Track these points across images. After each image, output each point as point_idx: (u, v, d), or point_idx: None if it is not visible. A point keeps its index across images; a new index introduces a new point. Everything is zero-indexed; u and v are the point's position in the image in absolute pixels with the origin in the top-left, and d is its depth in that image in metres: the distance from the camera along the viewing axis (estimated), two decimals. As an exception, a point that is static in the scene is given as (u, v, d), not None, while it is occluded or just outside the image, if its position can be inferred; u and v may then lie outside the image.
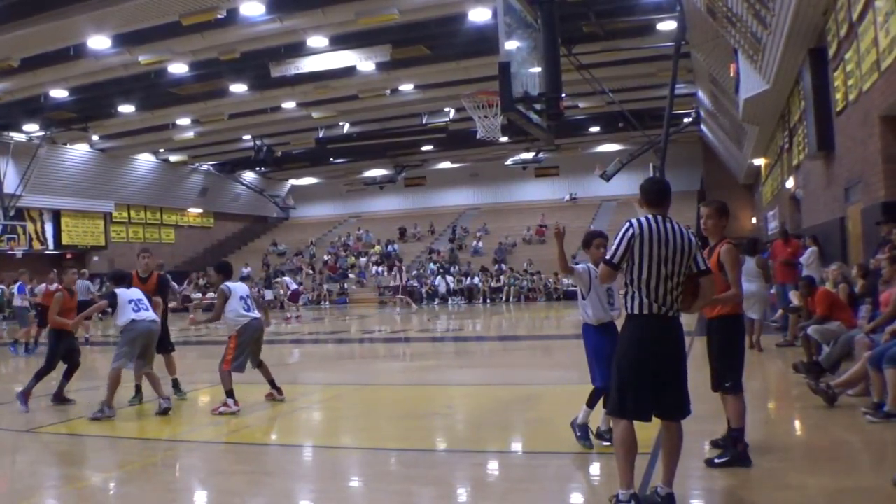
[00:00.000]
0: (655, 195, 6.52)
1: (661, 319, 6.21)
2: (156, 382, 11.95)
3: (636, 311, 6.22)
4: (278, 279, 40.06)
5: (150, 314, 12.18)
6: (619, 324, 6.77)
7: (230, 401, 11.42)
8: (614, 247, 6.29)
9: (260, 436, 10.74)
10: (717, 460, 7.41)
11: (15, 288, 23.42)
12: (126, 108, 38.06)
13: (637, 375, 6.12)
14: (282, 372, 13.43)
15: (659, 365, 6.16)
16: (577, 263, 8.64)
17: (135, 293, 12.43)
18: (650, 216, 6.32)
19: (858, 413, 9.23)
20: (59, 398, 12.83)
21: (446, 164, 61.27)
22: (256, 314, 12.23)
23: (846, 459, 7.90)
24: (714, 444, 7.75)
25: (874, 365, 9.10)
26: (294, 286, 38.24)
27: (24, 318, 22.45)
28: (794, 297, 15.62)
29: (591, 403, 8.33)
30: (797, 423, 9.97)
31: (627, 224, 6.29)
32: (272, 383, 12.34)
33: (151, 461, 9.05)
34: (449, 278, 45.46)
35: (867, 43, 13.45)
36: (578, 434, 8.32)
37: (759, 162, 36.50)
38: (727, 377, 7.52)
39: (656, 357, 6.17)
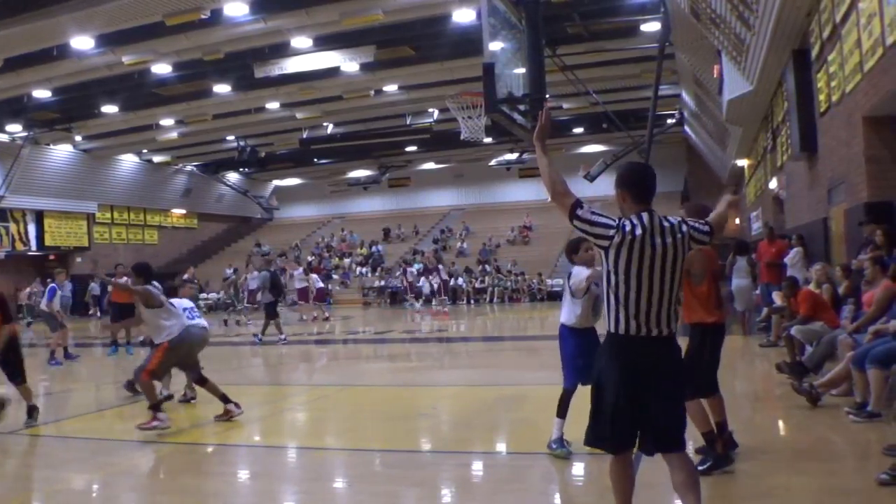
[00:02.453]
0: (640, 186, 5.40)
1: (646, 342, 5.22)
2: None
3: (613, 330, 5.28)
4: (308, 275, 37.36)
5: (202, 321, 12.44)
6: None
7: (161, 415, 10.47)
8: (592, 217, 5.21)
9: (245, 437, 10.72)
10: (699, 468, 7.39)
11: (47, 291, 21.45)
12: (109, 109, 37.88)
13: (613, 404, 5.24)
14: (267, 373, 13.43)
15: (642, 392, 5.22)
16: (570, 272, 8.48)
17: (187, 302, 12.66)
18: (637, 217, 5.21)
19: (842, 413, 9.27)
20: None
21: (430, 165, 61.21)
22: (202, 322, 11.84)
23: (830, 459, 7.94)
24: (698, 450, 7.72)
25: (857, 365, 9.15)
26: (320, 284, 36.28)
27: (52, 322, 20.29)
28: (778, 298, 15.70)
29: (560, 413, 8.22)
30: (781, 424, 10.00)
31: (618, 221, 5.21)
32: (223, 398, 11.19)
33: (135, 463, 9.03)
34: (433, 279, 45.41)
35: (850, 44, 13.49)
36: (553, 447, 8.14)
37: (743, 163, 36.56)
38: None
39: (638, 384, 5.21)
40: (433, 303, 42.82)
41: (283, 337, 22.43)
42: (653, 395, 5.22)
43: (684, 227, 5.32)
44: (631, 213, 5.28)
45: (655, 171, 5.57)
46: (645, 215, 5.23)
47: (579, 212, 5.23)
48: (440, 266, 44.55)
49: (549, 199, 5.43)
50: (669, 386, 5.31)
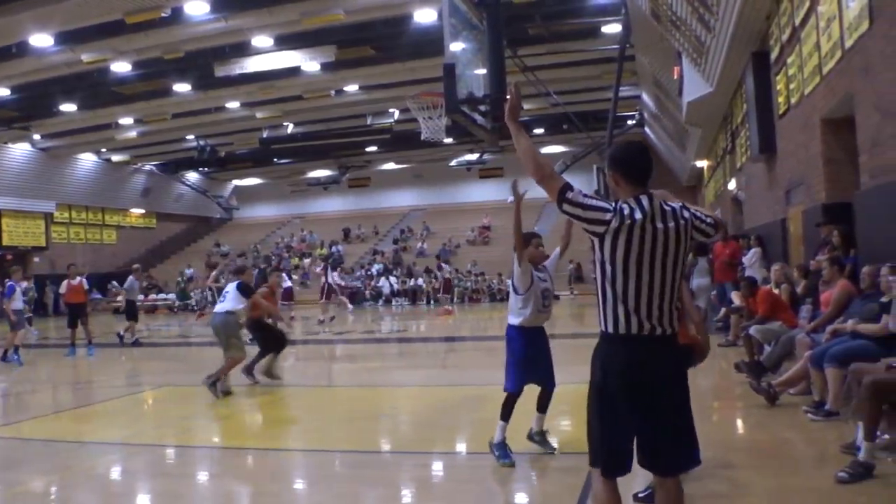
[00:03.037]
0: (635, 165, 4.81)
1: (648, 342, 4.59)
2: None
3: (611, 329, 4.63)
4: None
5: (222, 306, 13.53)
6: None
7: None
8: (584, 200, 4.58)
9: (204, 438, 10.68)
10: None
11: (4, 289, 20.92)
12: (68, 108, 37.56)
13: (610, 415, 4.64)
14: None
15: (643, 402, 4.57)
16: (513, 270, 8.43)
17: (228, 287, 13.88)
18: (635, 200, 4.62)
19: (800, 411, 9.35)
20: (260, 372, 14.35)
21: (391, 165, 61.17)
22: None
23: (788, 457, 8.00)
24: None
25: (815, 364, 9.22)
26: (288, 283, 35.27)
27: (21, 320, 19.95)
28: (736, 298, 15.83)
29: (505, 416, 8.08)
30: (739, 422, 10.08)
31: (615, 204, 4.63)
32: None
33: (94, 465, 8.95)
34: (392, 279, 45.42)
35: (809, 47, 13.62)
36: (497, 454, 7.97)
37: (702, 164, 36.79)
38: None
39: (638, 391, 4.56)
40: (393, 303, 42.91)
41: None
42: (659, 405, 4.59)
43: (686, 213, 4.73)
44: (627, 197, 4.67)
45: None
46: (644, 198, 4.63)
47: (569, 195, 4.61)
48: (444, 266, 44.69)
49: (536, 182, 4.79)
50: (677, 394, 4.71)
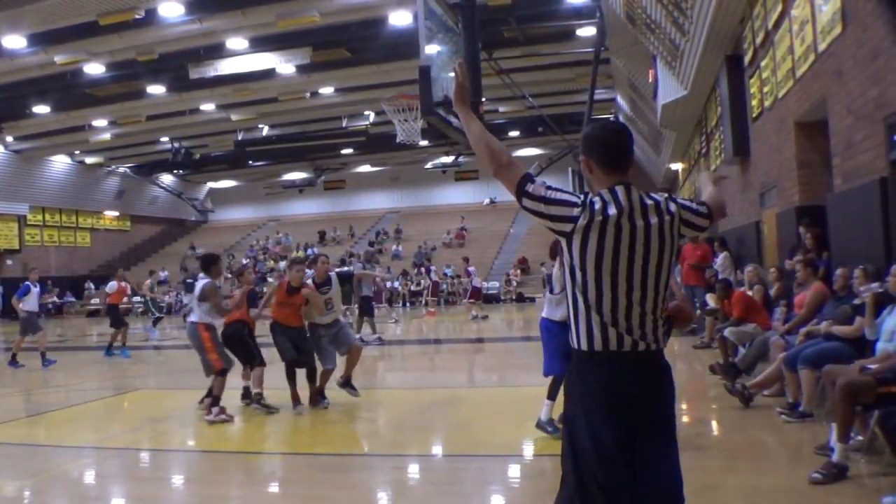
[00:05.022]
0: (610, 148, 4.03)
1: (632, 360, 3.78)
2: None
3: (585, 346, 3.82)
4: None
5: None
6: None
7: None
8: (547, 194, 3.88)
9: (178, 442, 10.62)
10: None
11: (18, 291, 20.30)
12: (41, 109, 37.38)
13: (603, 464, 3.66)
14: (197, 378, 13.28)
15: (638, 436, 3.73)
16: (549, 273, 8.93)
17: None
18: (610, 191, 3.84)
19: (774, 413, 9.40)
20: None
21: (366, 168, 61.08)
22: None
23: (763, 459, 8.02)
24: None
25: (789, 366, 9.25)
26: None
27: (32, 323, 19.39)
28: (711, 300, 15.88)
29: (551, 395, 8.72)
30: (714, 424, 10.09)
31: (584, 197, 3.84)
32: None
33: (66, 469, 8.88)
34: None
35: (783, 51, 13.68)
36: (550, 430, 8.68)
37: (677, 166, 36.86)
38: None
39: (632, 423, 3.72)
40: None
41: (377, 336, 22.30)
42: (650, 439, 3.77)
43: (672, 206, 3.92)
44: (601, 188, 3.91)
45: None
46: (620, 189, 3.84)
47: (529, 187, 3.92)
48: (432, 268, 44.61)
49: (492, 174, 4.17)
50: (669, 424, 3.91)
